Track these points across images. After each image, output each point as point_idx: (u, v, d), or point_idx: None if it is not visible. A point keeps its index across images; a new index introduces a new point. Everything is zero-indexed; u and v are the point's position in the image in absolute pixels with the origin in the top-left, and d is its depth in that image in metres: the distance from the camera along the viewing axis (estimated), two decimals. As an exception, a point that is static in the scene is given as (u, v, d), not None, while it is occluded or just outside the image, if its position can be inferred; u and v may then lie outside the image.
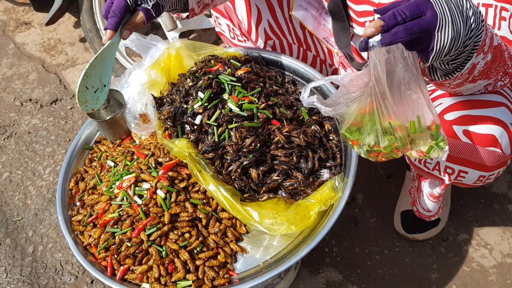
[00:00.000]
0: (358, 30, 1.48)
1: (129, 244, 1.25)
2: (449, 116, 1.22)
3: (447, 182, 1.31)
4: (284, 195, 1.33)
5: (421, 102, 1.02)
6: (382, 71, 0.97)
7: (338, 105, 1.09)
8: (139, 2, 1.22)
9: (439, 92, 1.30)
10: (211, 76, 1.44)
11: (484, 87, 1.15)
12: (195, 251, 1.26)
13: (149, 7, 1.21)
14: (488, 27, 0.99)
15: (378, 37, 0.91)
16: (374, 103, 1.02)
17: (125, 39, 1.25)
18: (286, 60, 1.60)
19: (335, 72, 1.75)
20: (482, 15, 0.95)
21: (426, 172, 1.35)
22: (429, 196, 1.50)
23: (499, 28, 1.16)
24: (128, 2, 1.20)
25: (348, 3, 1.43)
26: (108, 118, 1.50)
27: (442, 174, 1.30)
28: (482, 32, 0.94)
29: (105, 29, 1.22)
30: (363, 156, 1.13)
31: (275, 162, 1.33)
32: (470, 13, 0.92)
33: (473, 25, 0.92)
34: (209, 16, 2.46)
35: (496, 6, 1.15)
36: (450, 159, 1.24)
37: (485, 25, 0.95)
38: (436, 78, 1.09)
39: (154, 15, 1.23)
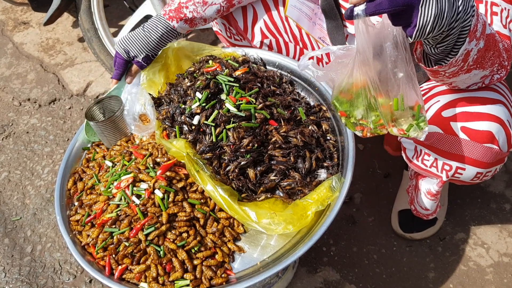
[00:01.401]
0: (351, 29, 1.49)
1: (127, 244, 1.26)
2: (447, 113, 1.23)
3: (444, 179, 1.32)
4: (281, 195, 1.33)
5: (406, 81, 1.03)
6: (367, 43, 0.99)
7: (329, 70, 1.11)
8: (133, 57, 1.53)
9: (436, 89, 1.31)
10: (208, 76, 1.44)
11: (481, 79, 1.15)
12: (193, 251, 1.27)
13: (140, 60, 1.54)
14: (480, 14, 0.99)
15: (363, 6, 0.92)
16: (360, 76, 1.04)
17: (129, 83, 1.59)
18: (283, 60, 1.61)
19: (332, 70, 1.76)
20: (472, 1, 0.95)
21: (423, 169, 1.36)
22: (427, 194, 1.51)
23: (491, 23, 1.17)
24: (125, 59, 1.54)
25: (341, 1, 1.44)
26: (106, 119, 1.50)
27: (439, 171, 1.31)
28: (470, 17, 0.95)
29: (112, 78, 1.58)
30: (351, 129, 1.16)
31: (272, 162, 1.33)
32: None
33: (460, 8, 0.93)
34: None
35: (486, 2, 1.16)
36: (447, 156, 1.25)
37: (476, 11, 0.96)
38: (430, 65, 1.11)
39: (145, 64, 1.56)
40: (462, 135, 1.20)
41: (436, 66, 1.08)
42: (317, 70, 1.15)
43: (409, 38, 0.96)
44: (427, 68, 1.12)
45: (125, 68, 1.56)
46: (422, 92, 1.35)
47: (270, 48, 1.66)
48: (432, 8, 0.90)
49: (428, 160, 1.31)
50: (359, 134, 1.17)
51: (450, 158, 1.25)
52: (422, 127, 1.06)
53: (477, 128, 1.19)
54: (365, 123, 1.12)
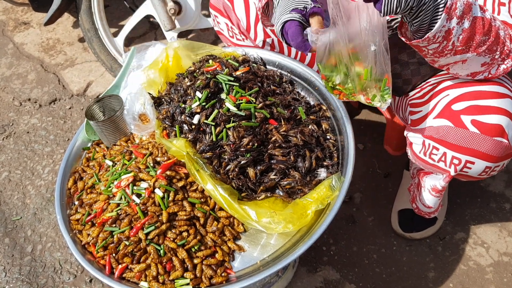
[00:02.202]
0: None
1: (127, 243, 1.26)
2: (457, 106, 1.23)
3: (452, 173, 1.31)
4: (281, 194, 1.33)
5: (378, 54, 1.11)
6: (339, 12, 1.08)
7: (320, 37, 1.17)
8: (307, 11, 1.22)
9: (445, 84, 1.31)
10: (208, 76, 1.44)
11: (482, 66, 1.16)
12: (193, 250, 1.27)
13: (316, 4, 1.22)
14: None
15: None
16: (335, 44, 1.14)
17: (319, 33, 1.19)
18: (283, 59, 1.61)
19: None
20: None
21: (430, 164, 1.35)
22: (431, 191, 1.50)
23: (498, 13, 1.19)
24: (300, 21, 1.21)
25: None
26: (106, 118, 1.50)
27: (447, 165, 1.31)
28: None
29: (310, 51, 1.21)
30: (329, 91, 1.25)
31: (272, 161, 1.33)
32: None
33: None
34: (208, 16, 2.46)
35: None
36: (457, 149, 1.25)
37: None
38: (409, 36, 1.15)
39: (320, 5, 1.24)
40: (472, 128, 1.20)
41: (415, 40, 1.10)
42: (311, 36, 1.19)
43: (380, 13, 1.01)
44: (408, 42, 1.14)
45: (302, 33, 1.21)
46: (430, 87, 1.36)
47: (272, 47, 1.66)
48: None
49: (436, 155, 1.31)
50: (336, 97, 1.25)
51: (459, 152, 1.25)
52: (385, 99, 1.15)
53: (487, 122, 1.20)
54: (342, 88, 1.21)
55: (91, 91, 2.62)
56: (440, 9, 1.01)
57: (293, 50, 1.69)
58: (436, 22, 1.03)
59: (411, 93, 1.43)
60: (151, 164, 1.36)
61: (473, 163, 1.25)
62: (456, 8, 1.02)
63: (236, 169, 1.31)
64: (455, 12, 1.02)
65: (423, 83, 1.40)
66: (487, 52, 1.12)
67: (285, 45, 1.66)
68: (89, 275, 1.84)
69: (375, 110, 2.22)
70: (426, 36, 1.06)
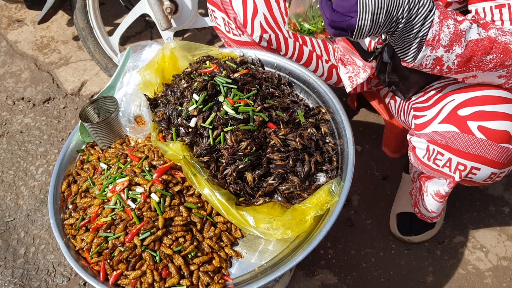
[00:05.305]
0: None
1: (122, 249, 1.24)
2: (463, 112, 1.21)
3: (457, 179, 1.30)
4: (280, 199, 1.31)
5: None
6: None
7: None
8: None
9: (450, 88, 1.29)
10: (206, 78, 1.42)
11: (501, 78, 1.17)
12: (190, 256, 1.24)
13: None
14: (449, 24, 1.05)
15: None
16: None
17: None
18: (282, 61, 1.58)
19: (332, 68, 1.74)
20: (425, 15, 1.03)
21: (434, 169, 1.33)
22: (435, 196, 1.48)
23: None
24: None
25: None
26: (101, 120, 1.48)
27: (452, 171, 1.29)
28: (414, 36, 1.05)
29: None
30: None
31: (271, 165, 1.31)
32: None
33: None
34: (204, 15, 2.44)
35: (509, 4, 1.15)
36: (463, 155, 1.23)
37: (433, 22, 1.03)
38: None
39: None
40: (479, 135, 1.19)
41: (407, 64, 1.14)
42: None
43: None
44: (403, 64, 1.18)
45: None
46: (434, 91, 1.34)
47: (269, 43, 1.64)
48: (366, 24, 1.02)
49: (440, 160, 1.29)
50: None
51: (465, 158, 1.23)
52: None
53: (494, 128, 1.18)
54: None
55: (85, 90, 2.58)
56: (416, 42, 1.06)
57: (290, 48, 1.67)
58: (410, 55, 1.10)
59: (414, 97, 1.42)
60: (147, 168, 1.33)
61: (478, 169, 1.24)
62: (440, 40, 1.05)
63: (234, 174, 1.29)
64: (440, 43, 1.05)
65: (426, 87, 1.38)
66: (498, 68, 1.12)
67: (282, 42, 1.64)
68: (83, 279, 1.81)
69: (374, 111, 2.20)
70: (412, 64, 1.11)
